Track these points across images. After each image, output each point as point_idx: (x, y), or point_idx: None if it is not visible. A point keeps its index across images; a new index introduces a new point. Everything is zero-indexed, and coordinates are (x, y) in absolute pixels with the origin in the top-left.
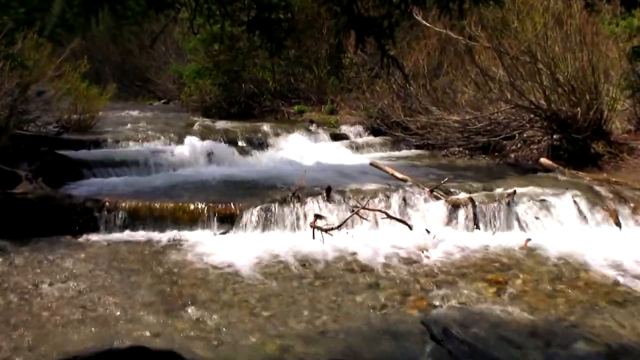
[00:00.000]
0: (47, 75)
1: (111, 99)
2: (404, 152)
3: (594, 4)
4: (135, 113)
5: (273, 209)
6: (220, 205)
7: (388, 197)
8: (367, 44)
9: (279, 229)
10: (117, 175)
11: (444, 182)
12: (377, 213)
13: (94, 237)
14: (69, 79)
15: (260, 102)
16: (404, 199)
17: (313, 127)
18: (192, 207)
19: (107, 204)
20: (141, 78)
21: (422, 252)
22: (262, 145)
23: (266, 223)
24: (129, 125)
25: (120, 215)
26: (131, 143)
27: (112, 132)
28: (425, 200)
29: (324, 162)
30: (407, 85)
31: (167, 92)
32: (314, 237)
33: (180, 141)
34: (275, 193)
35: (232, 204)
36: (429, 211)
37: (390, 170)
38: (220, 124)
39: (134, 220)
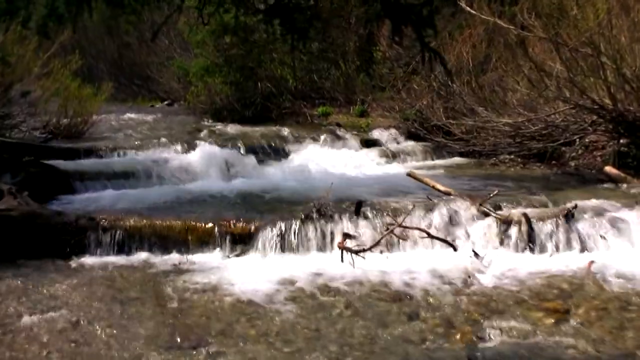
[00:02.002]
0: (32, 73)
1: (107, 100)
2: (446, 161)
3: None
4: (134, 116)
5: (294, 227)
6: (233, 223)
7: (428, 212)
8: (403, 35)
9: (302, 250)
10: (114, 189)
11: (493, 196)
12: (416, 232)
13: (87, 260)
14: (58, 77)
15: (279, 103)
16: (447, 215)
17: (340, 132)
18: (201, 225)
19: (103, 222)
20: (141, 76)
21: (469, 276)
22: (281, 153)
23: (286, 243)
24: (127, 131)
25: (118, 235)
26: (130, 151)
27: (108, 138)
28: (472, 217)
29: (353, 172)
30: (450, 83)
31: (171, 92)
32: (342, 260)
33: (186, 149)
34: (297, 209)
35: (247, 222)
36: (476, 229)
37: (431, 182)
38: (233, 129)
39: (134, 240)
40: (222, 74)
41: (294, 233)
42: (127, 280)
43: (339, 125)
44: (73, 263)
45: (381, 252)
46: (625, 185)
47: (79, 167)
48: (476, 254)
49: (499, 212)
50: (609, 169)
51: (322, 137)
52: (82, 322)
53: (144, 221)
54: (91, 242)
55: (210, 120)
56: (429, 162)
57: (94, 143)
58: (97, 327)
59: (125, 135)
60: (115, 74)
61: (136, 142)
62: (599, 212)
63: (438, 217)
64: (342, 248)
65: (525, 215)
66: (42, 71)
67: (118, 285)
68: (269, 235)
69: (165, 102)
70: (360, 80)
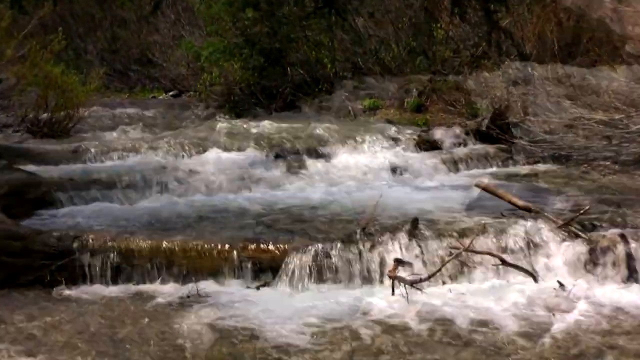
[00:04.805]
0: (4, 57)
1: (97, 90)
2: (524, 168)
3: None
4: (131, 110)
5: (333, 251)
6: (256, 246)
7: (502, 234)
8: (467, 9)
9: (342, 280)
10: (106, 201)
11: (583, 212)
12: (487, 257)
13: (73, 291)
14: (37, 61)
15: (314, 94)
16: (526, 238)
17: (391, 131)
18: (215, 248)
19: (92, 243)
20: (140, 61)
21: (552, 313)
22: (317, 157)
23: (323, 272)
24: (122, 129)
25: (110, 260)
26: (126, 155)
27: (98, 138)
28: (557, 239)
29: (406, 182)
30: (529, 70)
31: (178, 80)
32: (393, 293)
33: (197, 153)
34: (336, 228)
35: (273, 245)
36: (561, 255)
37: (506, 195)
38: (256, 127)
39: (131, 266)
40: (243, 58)
41: (333, 259)
42: (122, 315)
43: (389, 122)
44: (55, 294)
45: (443, 282)
46: None
47: (63, 173)
48: (562, 285)
49: (590, 233)
50: None
51: (368, 137)
52: None
53: (143, 242)
54: (77, 268)
55: (227, 116)
56: (503, 170)
57: (82, 144)
58: None
59: (121, 135)
60: (108, 58)
61: (134, 144)
62: None
63: (514, 240)
64: (394, 278)
65: (623, 237)
66: (16, 54)
67: (110, 322)
68: (300, 261)
69: (171, 93)
70: (416, 66)
